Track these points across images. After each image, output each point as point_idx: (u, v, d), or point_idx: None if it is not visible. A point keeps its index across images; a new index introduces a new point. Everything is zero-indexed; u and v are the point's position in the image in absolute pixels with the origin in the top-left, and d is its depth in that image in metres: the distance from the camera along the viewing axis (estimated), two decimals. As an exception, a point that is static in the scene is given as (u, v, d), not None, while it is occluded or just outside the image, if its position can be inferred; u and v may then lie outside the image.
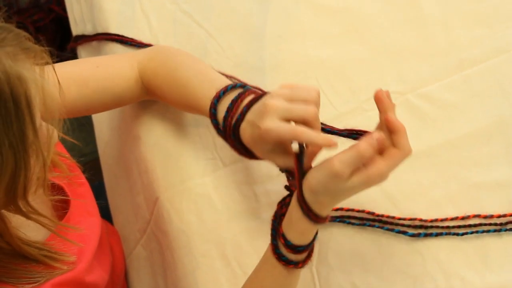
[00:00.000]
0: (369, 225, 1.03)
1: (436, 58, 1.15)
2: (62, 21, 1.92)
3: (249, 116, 0.86)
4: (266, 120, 0.82)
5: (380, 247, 1.03)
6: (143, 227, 1.18)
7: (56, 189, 0.95)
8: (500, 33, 1.15)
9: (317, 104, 0.83)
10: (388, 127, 0.82)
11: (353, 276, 1.02)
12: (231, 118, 0.89)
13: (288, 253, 0.87)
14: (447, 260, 1.02)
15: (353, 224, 1.04)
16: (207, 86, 0.94)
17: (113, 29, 1.22)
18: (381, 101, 0.84)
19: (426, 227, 1.03)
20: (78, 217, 0.96)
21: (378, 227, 1.03)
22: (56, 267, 0.86)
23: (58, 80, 0.81)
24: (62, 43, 2.39)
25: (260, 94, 0.89)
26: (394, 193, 1.05)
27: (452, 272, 1.01)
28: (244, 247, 1.05)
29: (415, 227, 1.03)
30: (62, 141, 0.92)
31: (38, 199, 0.84)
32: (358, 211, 1.04)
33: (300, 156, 0.83)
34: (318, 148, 0.86)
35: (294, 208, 0.86)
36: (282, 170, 0.91)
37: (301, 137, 0.80)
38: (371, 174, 0.79)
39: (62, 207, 0.95)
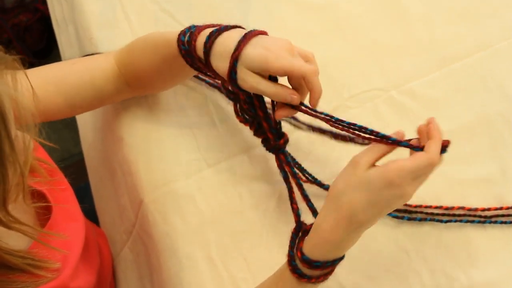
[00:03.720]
0: None
1: (418, 54, 1.15)
2: (48, 20, 1.91)
3: (254, 40, 0.85)
4: (282, 52, 0.83)
5: (366, 245, 1.03)
6: (129, 229, 1.17)
7: (38, 195, 0.94)
8: (482, 28, 1.15)
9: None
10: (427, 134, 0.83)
11: (339, 276, 1.02)
12: (198, 33, 0.88)
13: (303, 267, 0.85)
14: (432, 258, 1.02)
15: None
16: (175, 32, 0.93)
17: (94, 31, 1.21)
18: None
19: (410, 212, 1.04)
20: (61, 223, 0.95)
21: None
22: (41, 275, 0.85)
23: (32, 86, 0.80)
24: (49, 42, 2.39)
25: None
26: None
27: (438, 270, 1.01)
28: (229, 248, 1.05)
29: (399, 211, 1.04)
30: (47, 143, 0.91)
31: (20, 207, 0.83)
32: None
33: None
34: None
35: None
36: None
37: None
38: (389, 167, 0.80)
39: (44, 214, 0.94)
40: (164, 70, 1.01)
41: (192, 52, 0.88)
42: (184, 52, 0.90)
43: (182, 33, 0.90)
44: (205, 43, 0.86)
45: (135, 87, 1.08)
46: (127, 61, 1.04)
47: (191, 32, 0.89)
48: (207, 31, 0.87)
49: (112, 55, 1.06)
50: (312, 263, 0.84)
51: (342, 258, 0.87)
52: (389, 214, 1.03)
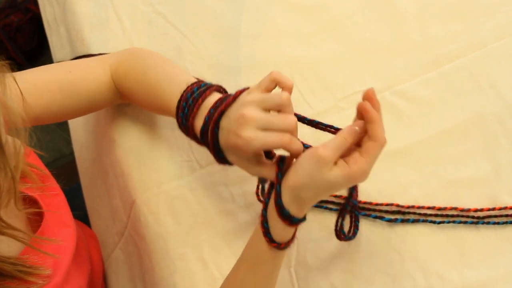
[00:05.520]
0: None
1: (412, 54, 1.15)
2: (39, 20, 1.91)
3: (224, 123, 0.86)
4: (246, 130, 0.82)
5: (358, 246, 1.03)
6: (120, 230, 1.17)
7: (30, 201, 0.93)
8: (476, 28, 1.15)
9: (290, 107, 0.84)
10: (364, 117, 0.81)
11: (332, 276, 1.02)
12: (192, 118, 0.90)
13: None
14: (425, 258, 1.01)
15: (330, 209, 1.04)
16: (175, 89, 0.93)
17: (86, 32, 1.21)
18: (371, 99, 0.82)
19: (404, 213, 1.03)
20: (52, 229, 0.94)
21: (356, 212, 1.03)
22: (32, 282, 0.84)
23: (21, 92, 0.81)
24: (40, 41, 2.38)
25: (225, 96, 0.89)
26: (372, 192, 1.04)
27: (430, 270, 1.01)
28: (221, 249, 1.05)
29: (393, 212, 1.03)
30: (40, 145, 0.90)
31: (11, 213, 0.83)
32: (336, 196, 1.05)
33: (281, 164, 0.85)
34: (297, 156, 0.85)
35: (271, 213, 0.85)
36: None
37: (290, 146, 0.82)
38: (353, 171, 0.80)
39: (36, 220, 0.93)
40: (157, 112, 1.07)
41: (190, 130, 0.91)
42: (183, 127, 0.93)
43: (181, 109, 0.91)
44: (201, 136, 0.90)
45: (128, 101, 1.09)
46: (124, 86, 1.04)
47: (186, 112, 0.91)
48: (201, 119, 0.89)
49: (109, 66, 1.05)
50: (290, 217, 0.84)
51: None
52: (383, 219, 1.03)
